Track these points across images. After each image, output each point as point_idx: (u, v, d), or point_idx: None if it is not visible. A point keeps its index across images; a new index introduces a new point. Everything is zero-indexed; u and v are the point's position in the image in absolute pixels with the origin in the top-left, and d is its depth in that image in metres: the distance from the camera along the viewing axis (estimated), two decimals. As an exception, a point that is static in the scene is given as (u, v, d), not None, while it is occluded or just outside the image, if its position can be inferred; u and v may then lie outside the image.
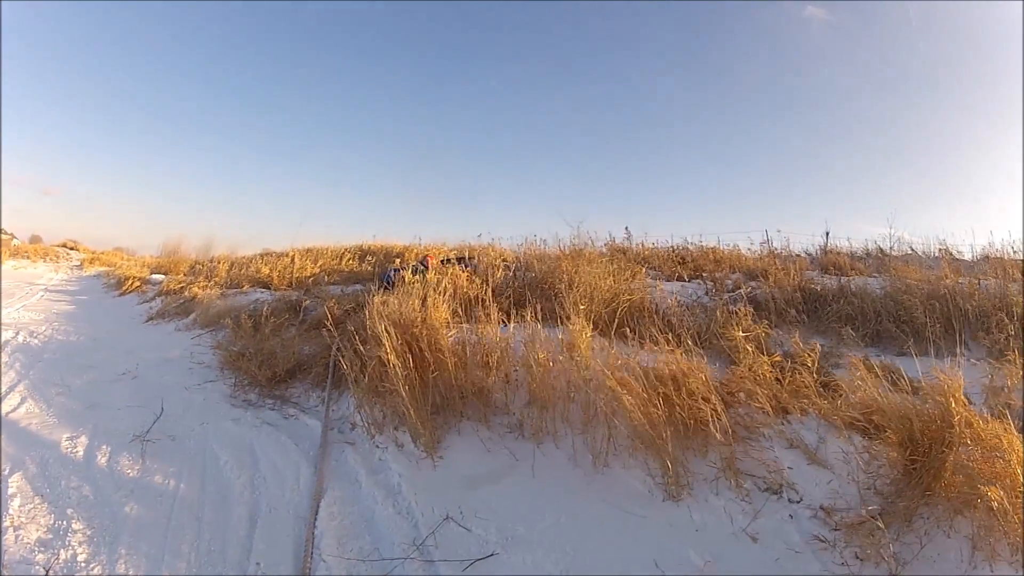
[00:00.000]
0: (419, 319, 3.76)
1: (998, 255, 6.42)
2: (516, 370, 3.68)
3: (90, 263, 21.88)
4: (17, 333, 7.04)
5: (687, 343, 3.22)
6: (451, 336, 3.80)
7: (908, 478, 2.41)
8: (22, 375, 5.13)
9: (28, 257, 21.79)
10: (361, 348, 3.68)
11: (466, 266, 6.35)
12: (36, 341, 6.79)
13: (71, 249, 28.11)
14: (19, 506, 2.80)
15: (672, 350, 3.17)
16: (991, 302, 4.42)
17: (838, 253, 7.63)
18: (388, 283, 5.81)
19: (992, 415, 2.45)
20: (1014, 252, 6.42)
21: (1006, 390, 3.04)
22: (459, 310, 4.10)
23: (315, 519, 2.73)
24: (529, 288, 5.24)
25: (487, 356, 3.70)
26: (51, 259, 22.92)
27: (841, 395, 3.02)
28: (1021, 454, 2.20)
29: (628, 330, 3.54)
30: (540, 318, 3.85)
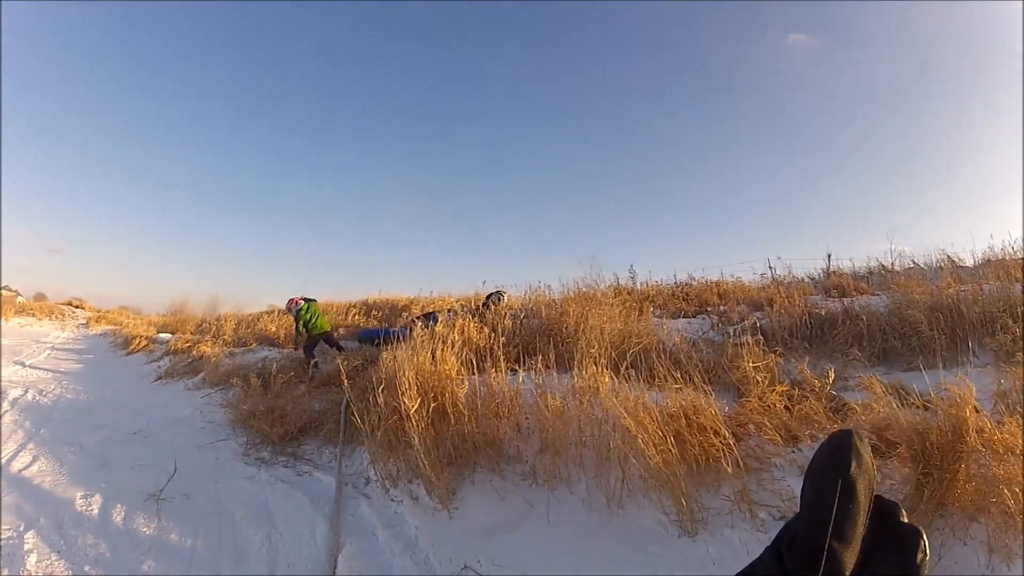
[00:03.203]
0: (433, 371, 3.84)
1: (999, 258, 6.44)
2: (527, 418, 3.72)
3: (96, 321, 21.97)
4: (26, 391, 7.07)
5: (695, 379, 3.28)
6: (464, 387, 3.86)
7: (921, 492, 2.40)
8: (33, 434, 5.16)
9: (34, 315, 21.90)
10: (381, 399, 3.73)
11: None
12: (46, 400, 6.82)
13: (76, 307, 28.22)
14: (36, 562, 2.81)
15: (681, 387, 3.23)
16: (995, 306, 4.44)
17: (840, 274, 7.65)
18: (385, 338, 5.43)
19: (1004, 418, 2.48)
20: (1015, 252, 6.46)
21: (1014, 392, 3.06)
22: (470, 360, 4.16)
23: (334, 573, 2.73)
24: (537, 335, 5.32)
25: (498, 406, 3.75)
26: (57, 317, 23.02)
27: (852, 417, 3.04)
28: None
29: (635, 370, 3.60)
30: (550, 364, 3.91)
